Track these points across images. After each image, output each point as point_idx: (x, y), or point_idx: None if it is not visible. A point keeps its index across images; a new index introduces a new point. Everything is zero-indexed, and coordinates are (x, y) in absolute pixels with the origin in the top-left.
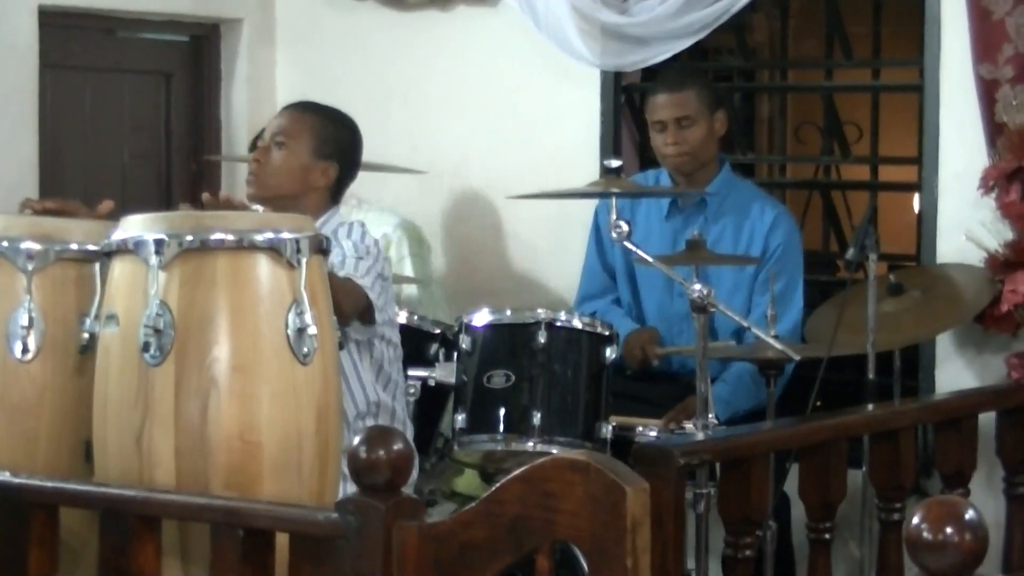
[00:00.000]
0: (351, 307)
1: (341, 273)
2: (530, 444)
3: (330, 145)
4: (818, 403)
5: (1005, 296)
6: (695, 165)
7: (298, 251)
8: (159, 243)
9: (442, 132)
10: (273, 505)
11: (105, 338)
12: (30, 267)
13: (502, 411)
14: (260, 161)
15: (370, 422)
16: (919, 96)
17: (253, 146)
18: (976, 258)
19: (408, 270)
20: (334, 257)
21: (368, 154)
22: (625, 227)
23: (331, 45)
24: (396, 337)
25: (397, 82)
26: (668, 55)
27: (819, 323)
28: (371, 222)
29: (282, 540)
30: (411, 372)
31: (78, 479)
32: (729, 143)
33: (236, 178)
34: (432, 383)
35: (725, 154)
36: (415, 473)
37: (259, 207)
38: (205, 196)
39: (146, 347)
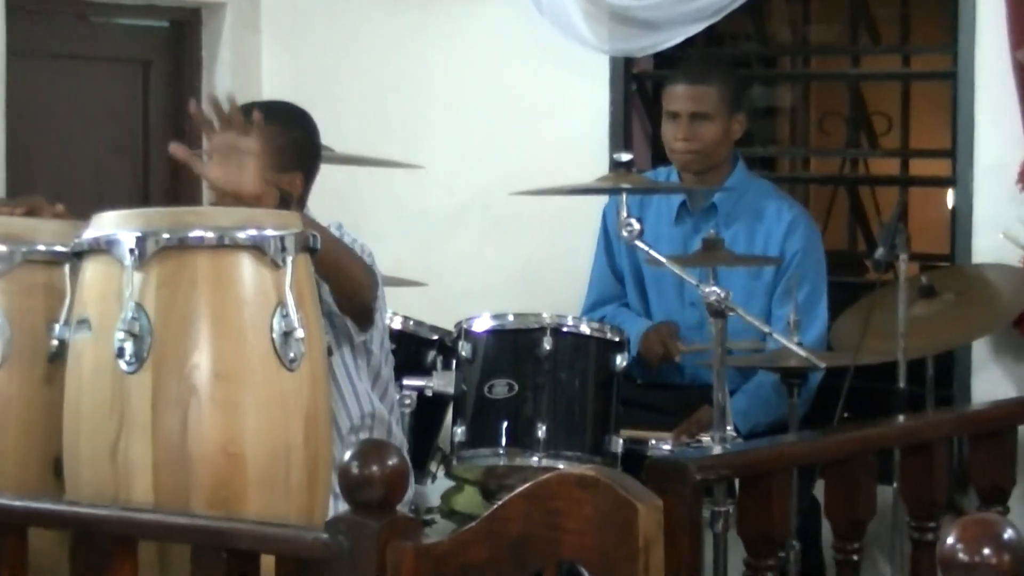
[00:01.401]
0: (365, 277)
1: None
2: (534, 459)
3: (290, 153)
4: (845, 414)
5: None
6: (704, 165)
7: (283, 249)
8: (134, 242)
9: (439, 124)
10: (258, 524)
11: (76, 345)
12: None
13: (504, 423)
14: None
15: (364, 436)
16: (952, 84)
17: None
18: (1014, 257)
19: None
20: None
21: (361, 148)
22: (636, 225)
23: (321, 31)
24: (387, 342)
25: (392, 70)
26: (680, 39)
27: (845, 329)
28: None
29: (268, 562)
30: (407, 381)
31: (48, 497)
32: (747, 135)
33: None
34: (429, 393)
35: (742, 148)
36: (411, 490)
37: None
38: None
39: (121, 353)
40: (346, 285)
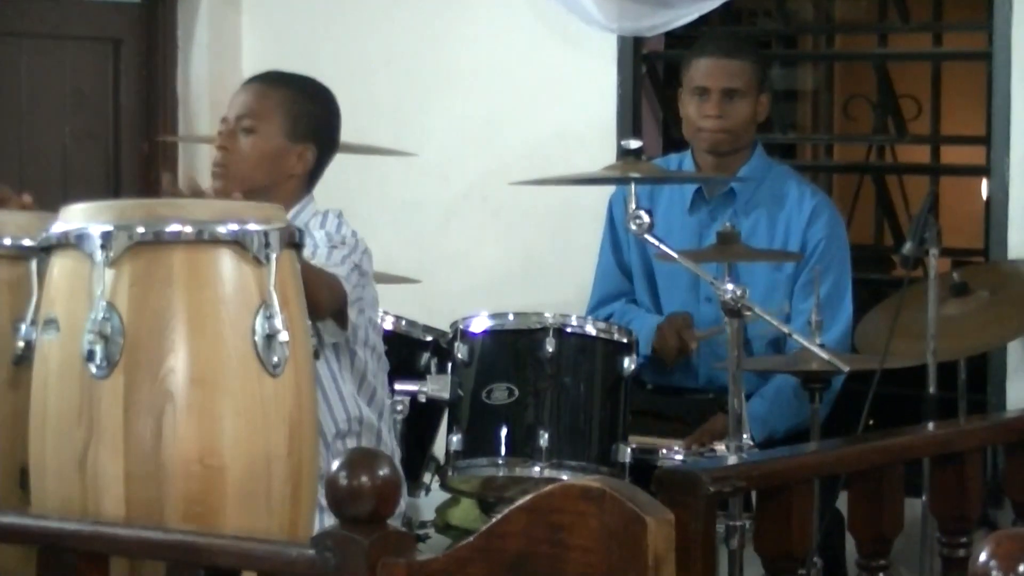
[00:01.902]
0: (329, 300)
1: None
2: (536, 469)
3: (305, 124)
4: (870, 421)
5: None
6: (732, 146)
7: (267, 245)
8: (105, 236)
9: (433, 108)
10: (239, 540)
11: (43, 346)
12: None
13: (504, 431)
14: (227, 149)
15: (351, 442)
16: (987, 65)
17: None
18: None
19: None
20: (306, 250)
21: (349, 135)
22: (646, 218)
23: (305, 8)
24: (380, 344)
25: (381, 51)
26: (694, 16)
27: (871, 329)
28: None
29: None
30: (399, 386)
31: (13, 510)
32: (766, 120)
33: (195, 161)
34: (423, 399)
35: (761, 134)
36: (403, 503)
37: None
38: (165, 178)
39: (91, 356)
40: (314, 311)
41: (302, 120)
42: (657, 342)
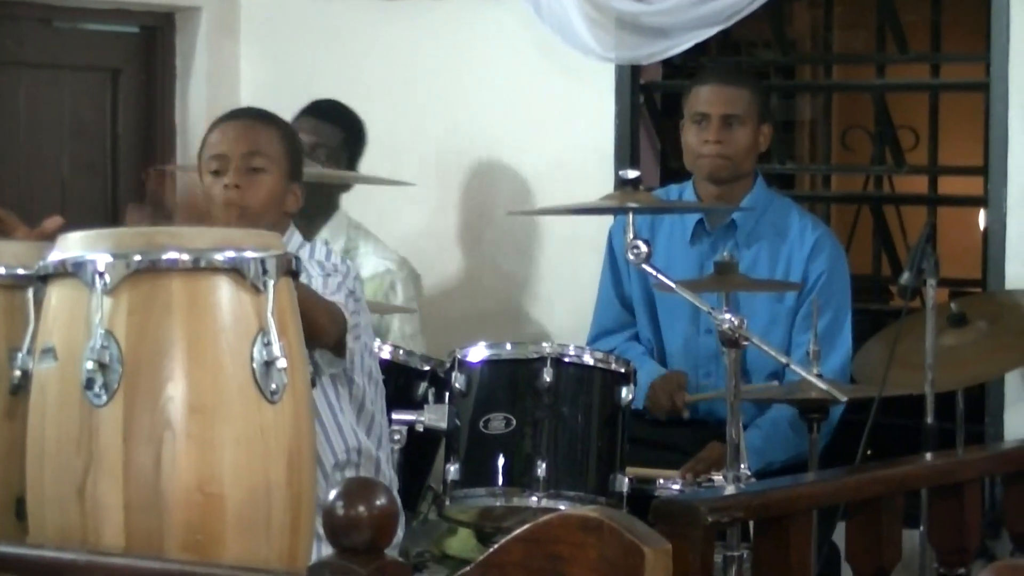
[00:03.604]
0: (330, 325)
1: None
2: (534, 499)
3: (296, 163)
4: (868, 452)
5: None
6: (731, 173)
7: (264, 272)
8: (103, 264)
9: (430, 138)
10: (237, 569)
11: (41, 375)
12: None
13: (501, 461)
14: (240, 187)
15: (350, 474)
16: (985, 96)
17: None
18: None
19: (399, 319)
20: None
21: None
22: (644, 248)
23: (303, 37)
24: (376, 370)
25: (379, 80)
26: (690, 44)
27: (869, 359)
28: (368, 254)
29: None
30: (396, 415)
31: (10, 540)
32: (765, 150)
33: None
34: (420, 428)
35: (759, 164)
36: (400, 533)
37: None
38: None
39: (89, 385)
40: (316, 339)
41: (295, 159)
42: (650, 401)
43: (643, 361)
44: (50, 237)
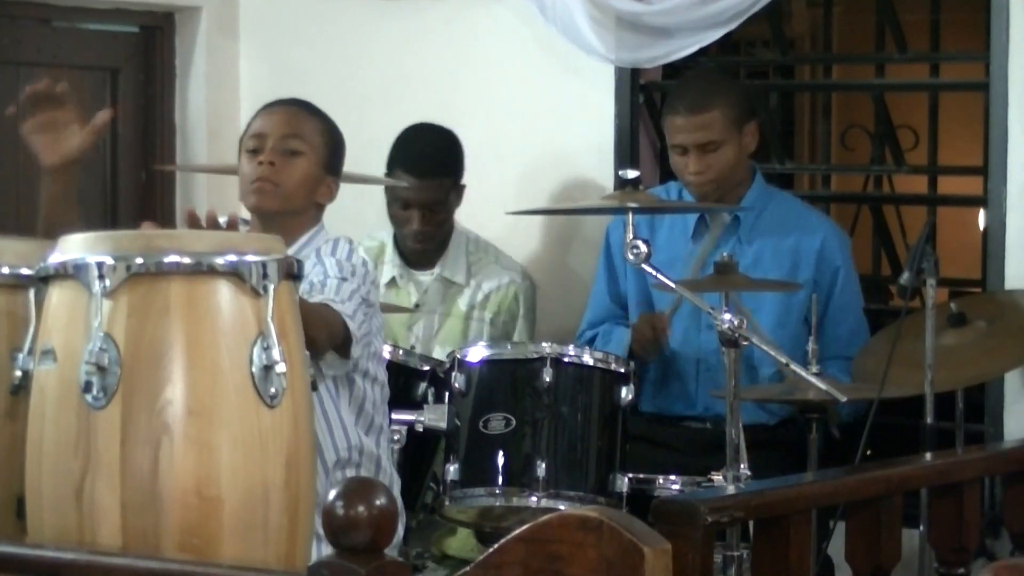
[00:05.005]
0: (326, 338)
1: (319, 296)
2: (533, 499)
3: (336, 157)
4: (868, 452)
5: None
6: (722, 190)
7: (265, 276)
8: (103, 267)
9: None
10: (235, 569)
11: (40, 377)
12: None
13: (501, 461)
14: (275, 165)
15: (351, 472)
16: (984, 95)
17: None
18: None
19: (520, 331)
20: (314, 276)
21: (346, 164)
22: (643, 248)
23: (302, 36)
24: (383, 374)
25: (379, 80)
26: (693, 49)
27: (869, 359)
28: (491, 264)
29: None
30: (396, 415)
31: (9, 540)
32: (764, 150)
33: (192, 191)
34: (420, 428)
35: (757, 163)
36: (400, 532)
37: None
38: (188, 210)
39: (88, 387)
40: (311, 348)
41: (334, 153)
42: (635, 341)
43: (624, 333)
44: (100, 132)
